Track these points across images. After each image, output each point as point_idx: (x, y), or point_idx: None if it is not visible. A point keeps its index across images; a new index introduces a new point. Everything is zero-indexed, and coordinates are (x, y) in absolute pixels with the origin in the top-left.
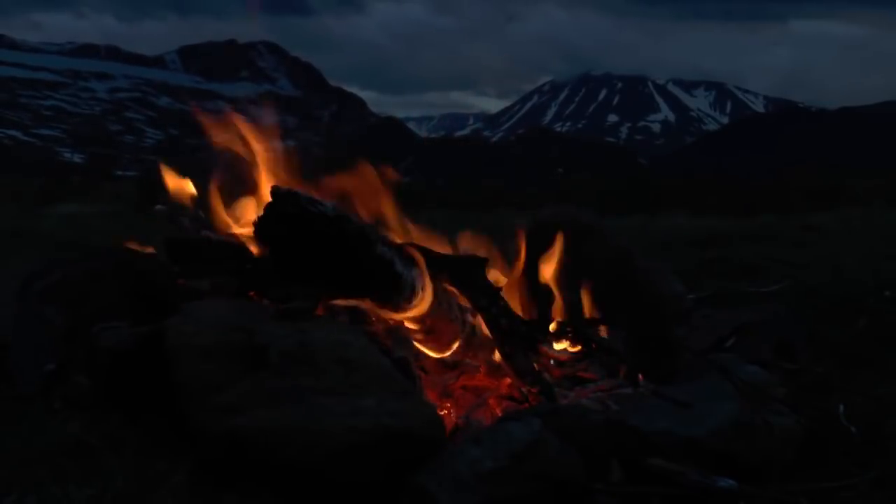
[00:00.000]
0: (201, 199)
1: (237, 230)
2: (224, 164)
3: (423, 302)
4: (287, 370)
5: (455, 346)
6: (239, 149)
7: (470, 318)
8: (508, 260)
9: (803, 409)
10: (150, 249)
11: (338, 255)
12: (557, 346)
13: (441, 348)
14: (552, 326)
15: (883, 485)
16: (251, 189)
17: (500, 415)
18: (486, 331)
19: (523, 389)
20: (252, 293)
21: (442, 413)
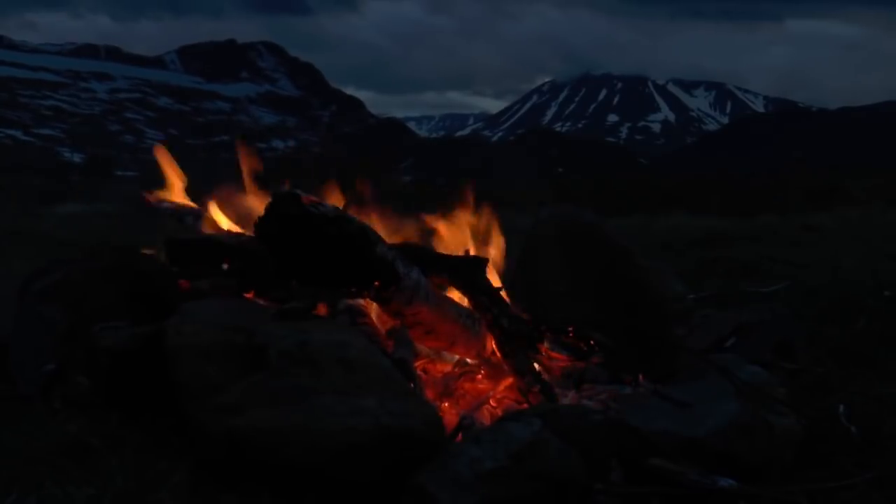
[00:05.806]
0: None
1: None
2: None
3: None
4: (287, 370)
5: (454, 346)
6: None
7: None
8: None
9: (803, 409)
10: (150, 250)
11: (338, 256)
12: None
13: (441, 347)
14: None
15: (883, 485)
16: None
17: (500, 415)
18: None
19: (523, 389)
20: (252, 293)
21: (442, 413)
